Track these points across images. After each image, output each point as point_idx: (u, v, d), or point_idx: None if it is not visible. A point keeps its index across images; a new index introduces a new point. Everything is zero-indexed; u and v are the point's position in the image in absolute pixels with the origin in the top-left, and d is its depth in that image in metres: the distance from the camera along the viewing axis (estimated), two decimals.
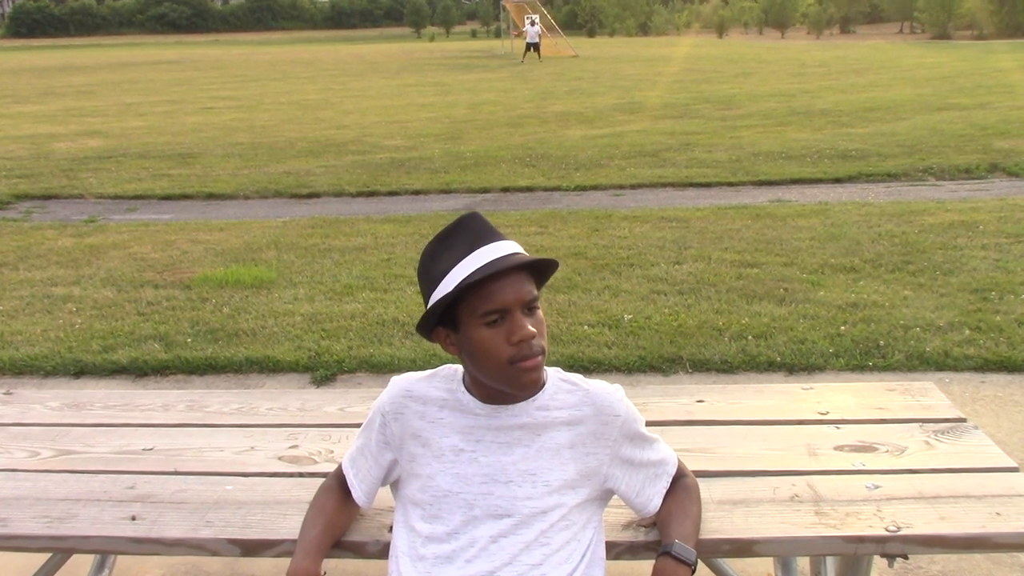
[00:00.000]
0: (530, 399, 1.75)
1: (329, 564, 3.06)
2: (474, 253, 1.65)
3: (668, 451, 1.89)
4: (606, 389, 1.80)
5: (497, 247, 1.66)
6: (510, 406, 1.74)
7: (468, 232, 1.68)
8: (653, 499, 1.84)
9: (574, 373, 1.84)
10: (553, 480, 1.71)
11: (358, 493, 1.89)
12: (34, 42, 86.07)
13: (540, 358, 1.67)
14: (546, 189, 10.00)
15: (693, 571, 1.71)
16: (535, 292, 1.67)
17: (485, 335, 1.65)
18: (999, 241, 6.79)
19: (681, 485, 1.89)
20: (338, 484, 1.94)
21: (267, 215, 9.03)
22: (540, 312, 1.69)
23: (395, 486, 1.88)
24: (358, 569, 3.02)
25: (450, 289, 1.64)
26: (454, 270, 1.65)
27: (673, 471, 1.88)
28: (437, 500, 1.73)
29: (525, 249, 1.71)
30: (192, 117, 18.12)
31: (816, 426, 2.40)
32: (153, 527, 2.02)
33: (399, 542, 1.78)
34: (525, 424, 1.73)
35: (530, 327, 1.64)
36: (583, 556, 1.73)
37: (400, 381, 1.85)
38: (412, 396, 1.81)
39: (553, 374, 1.81)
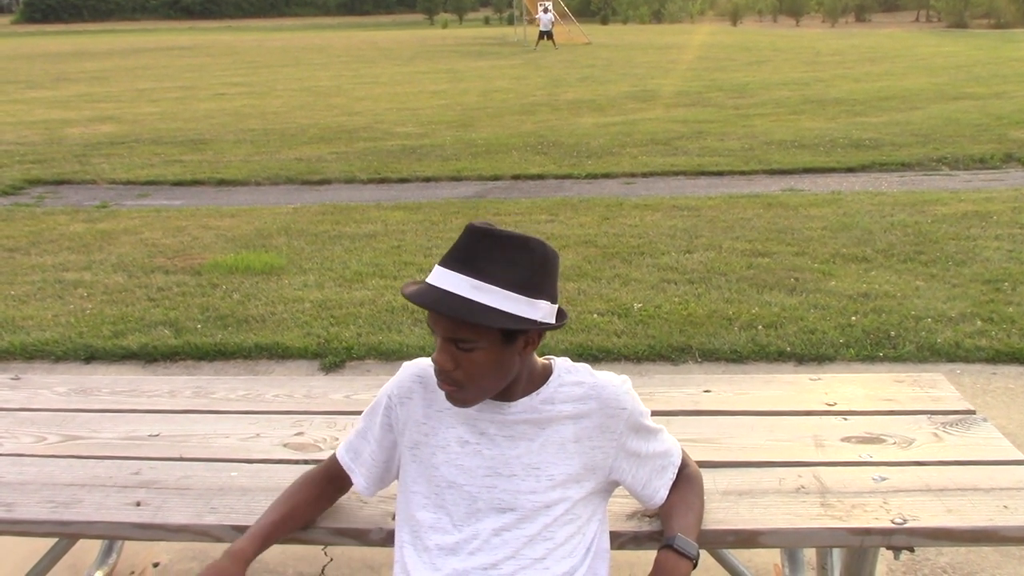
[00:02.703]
0: (535, 392, 1.73)
1: (335, 551, 3.09)
2: (435, 269, 1.61)
3: (672, 441, 1.87)
4: (612, 382, 1.77)
5: (447, 276, 1.58)
6: (513, 402, 1.72)
7: (460, 243, 1.61)
8: (660, 491, 1.82)
9: (581, 364, 1.81)
10: (557, 474, 1.70)
11: (358, 479, 1.88)
12: (48, 28, 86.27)
13: (452, 388, 1.64)
14: (557, 177, 9.98)
15: (694, 565, 1.70)
16: (461, 334, 1.58)
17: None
18: (1013, 232, 6.74)
19: (684, 476, 1.87)
20: (323, 475, 1.93)
21: (278, 201, 9.05)
22: (478, 354, 1.60)
23: (398, 474, 1.87)
24: (364, 556, 3.02)
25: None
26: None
27: (679, 462, 1.86)
28: (441, 491, 1.72)
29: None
30: (204, 103, 18.15)
31: (823, 417, 2.38)
32: (158, 513, 2.02)
33: (403, 532, 1.77)
34: (530, 418, 1.71)
35: (442, 359, 1.61)
36: (587, 550, 1.71)
37: (411, 366, 1.83)
38: (423, 382, 1.79)
39: (560, 365, 1.78)
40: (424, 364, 1.83)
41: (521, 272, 1.59)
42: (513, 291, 1.58)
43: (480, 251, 1.59)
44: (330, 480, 1.92)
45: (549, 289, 1.64)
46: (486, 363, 1.61)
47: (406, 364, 1.85)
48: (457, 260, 1.59)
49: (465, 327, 1.58)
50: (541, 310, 1.61)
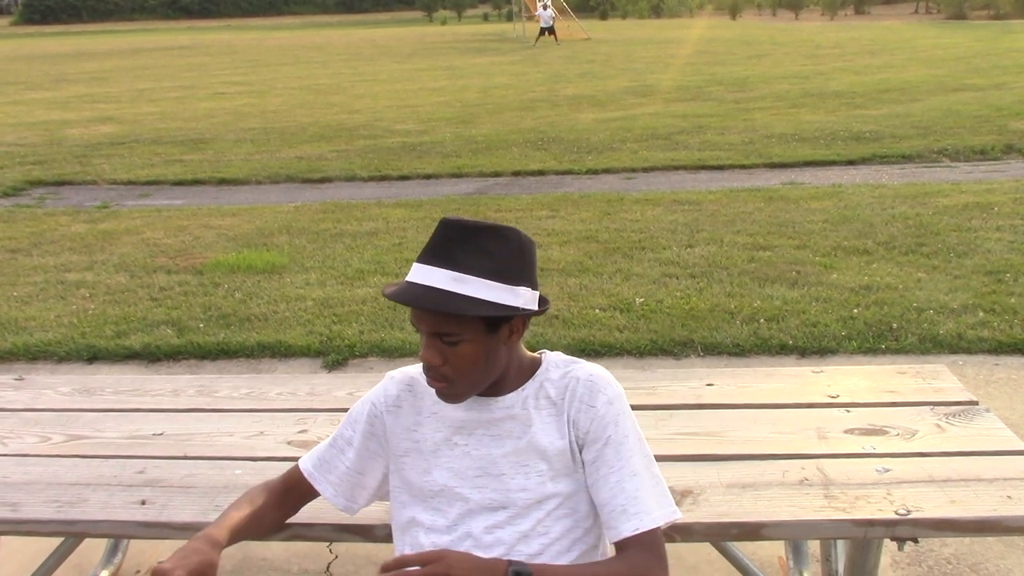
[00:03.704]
0: (521, 387, 1.72)
1: (340, 548, 3.09)
2: (414, 267, 1.61)
3: (651, 505, 1.64)
4: (591, 377, 1.71)
5: (425, 272, 1.59)
6: (500, 397, 1.71)
7: (435, 238, 1.62)
8: (609, 532, 1.65)
9: (575, 358, 1.78)
10: (547, 470, 1.67)
11: (324, 487, 1.83)
12: (47, 28, 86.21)
13: (442, 384, 1.64)
14: (558, 173, 9.98)
15: None
16: (445, 328, 1.59)
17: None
18: (1014, 223, 6.73)
19: (639, 556, 1.62)
20: (282, 486, 1.88)
21: (279, 200, 9.05)
22: (464, 347, 1.60)
23: (378, 492, 1.85)
24: (369, 552, 3.03)
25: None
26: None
27: (643, 530, 1.61)
28: (435, 495, 1.71)
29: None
30: (204, 103, 18.14)
31: (826, 409, 2.39)
32: (163, 511, 2.03)
33: (399, 532, 1.78)
34: (516, 415, 1.70)
35: (429, 355, 1.61)
36: (589, 545, 1.70)
37: (397, 375, 1.82)
38: (411, 389, 1.78)
39: (548, 359, 1.77)
40: (410, 372, 1.82)
41: (498, 260, 1.59)
42: (492, 279, 1.58)
43: (456, 243, 1.59)
44: (288, 491, 1.87)
45: (528, 275, 1.64)
46: (473, 355, 1.61)
47: (390, 373, 1.84)
48: (434, 255, 1.60)
49: (449, 320, 1.58)
50: (522, 297, 1.62)
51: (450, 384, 1.64)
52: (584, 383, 1.70)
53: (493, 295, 1.58)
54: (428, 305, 1.56)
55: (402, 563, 1.51)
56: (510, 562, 1.56)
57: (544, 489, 1.67)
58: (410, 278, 1.61)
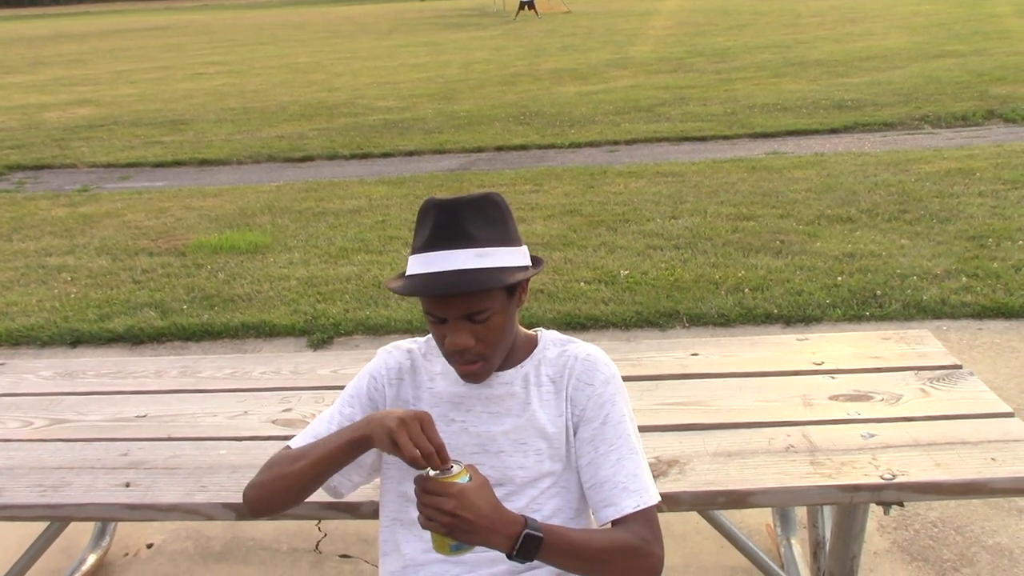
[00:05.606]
0: (519, 364, 1.72)
1: (329, 526, 3.10)
2: (422, 256, 1.58)
3: (649, 483, 1.64)
4: (588, 357, 1.71)
5: (445, 257, 1.56)
6: (500, 372, 1.70)
7: (440, 221, 1.58)
8: (607, 509, 1.62)
9: (569, 337, 1.78)
10: (545, 448, 1.67)
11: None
12: (22, 12, 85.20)
13: (476, 364, 1.62)
14: (540, 147, 9.93)
15: (515, 545, 1.47)
16: (478, 306, 1.56)
17: (432, 328, 1.63)
18: (996, 188, 6.75)
19: (641, 529, 1.59)
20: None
21: (260, 180, 8.99)
22: (493, 320, 1.59)
23: (383, 455, 1.81)
24: (358, 529, 3.03)
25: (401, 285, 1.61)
26: (411, 260, 1.61)
27: (644, 506, 1.60)
28: None
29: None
30: (183, 83, 17.97)
31: (811, 376, 2.39)
32: (147, 493, 2.02)
33: (389, 507, 1.76)
34: (515, 393, 1.69)
35: (462, 339, 1.58)
36: (580, 525, 1.70)
37: (394, 350, 1.80)
38: (412, 364, 1.77)
39: (545, 337, 1.77)
40: (403, 346, 1.80)
41: (502, 226, 1.62)
42: (507, 245, 1.61)
43: (461, 221, 1.57)
44: None
45: (519, 233, 1.67)
46: (501, 326, 1.62)
47: (384, 348, 1.82)
48: (445, 238, 1.57)
49: (482, 297, 1.57)
50: (527, 255, 1.66)
51: (484, 361, 1.63)
52: (582, 361, 1.70)
53: (513, 260, 1.61)
54: (475, 287, 1.54)
55: (424, 482, 1.44)
56: (526, 521, 1.49)
57: (541, 467, 1.67)
58: (424, 269, 1.57)
